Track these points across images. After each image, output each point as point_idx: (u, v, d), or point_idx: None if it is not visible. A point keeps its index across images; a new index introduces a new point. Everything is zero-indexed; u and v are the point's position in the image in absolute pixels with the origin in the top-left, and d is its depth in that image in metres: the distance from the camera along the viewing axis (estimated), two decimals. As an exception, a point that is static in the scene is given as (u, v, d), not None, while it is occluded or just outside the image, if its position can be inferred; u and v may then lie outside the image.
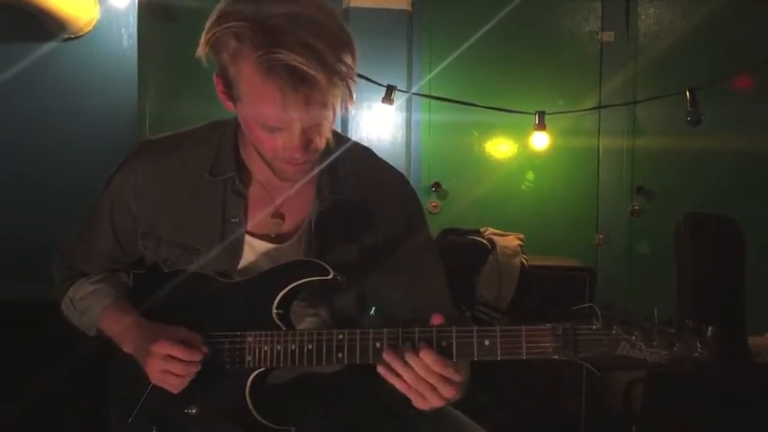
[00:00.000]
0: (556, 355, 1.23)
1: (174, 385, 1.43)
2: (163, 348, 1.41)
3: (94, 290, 1.61)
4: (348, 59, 1.27)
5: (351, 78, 1.28)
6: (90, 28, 3.22)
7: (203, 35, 1.30)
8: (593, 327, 1.21)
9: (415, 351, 1.28)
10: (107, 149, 2.95)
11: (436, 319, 1.31)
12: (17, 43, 3.15)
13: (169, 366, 1.41)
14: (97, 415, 1.65)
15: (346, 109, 1.33)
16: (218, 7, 1.30)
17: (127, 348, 1.51)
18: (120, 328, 1.54)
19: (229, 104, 1.38)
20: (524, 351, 1.25)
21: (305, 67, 1.21)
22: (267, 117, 1.30)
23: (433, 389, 1.28)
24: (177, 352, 1.41)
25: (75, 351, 2.34)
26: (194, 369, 1.42)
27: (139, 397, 1.53)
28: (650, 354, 1.18)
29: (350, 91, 1.29)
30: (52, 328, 2.47)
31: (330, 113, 1.30)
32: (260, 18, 1.23)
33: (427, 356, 1.27)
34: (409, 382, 1.28)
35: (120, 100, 3.25)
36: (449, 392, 1.28)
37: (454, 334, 1.29)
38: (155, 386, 1.48)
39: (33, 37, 3.15)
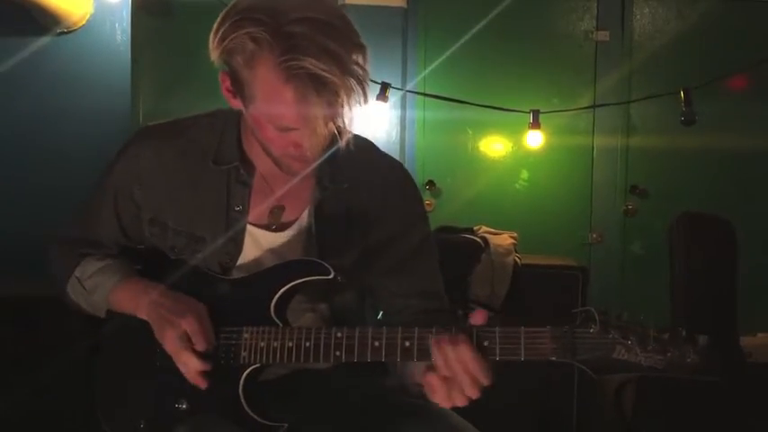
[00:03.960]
0: (554, 356, 1.25)
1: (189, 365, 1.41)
2: (189, 325, 1.40)
3: (104, 266, 1.59)
4: (362, 62, 1.31)
5: (366, 80, 1.32)
6: (83, 22, 3.20)
7: (216, 37, 1.32)
8: (591, 330, 1.22)
9: (456, 342, 1.27)
10: (100, 144, 2.93)
11: (476, 317, 1.31)
12: (10, 38, 3.13)
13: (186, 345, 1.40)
14: (89, 410, 1.64)
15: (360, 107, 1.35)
16: (230, 11, 1.31)
17: (144, 314, 1.48)
18: (139, 295, 1.50)
19: (235, 102, 1.40)
20: (523, 353, 1.27)
21: (326, 74, 1.25)
22: (283, 118, 1.33)
23: (460, 385, 1.28)
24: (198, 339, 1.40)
25: (68, 346, 2.34)
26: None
27: (127, 390, 1.54)
28: (645, 358, 1.20)
29: (364, 92, 1.32)
30: (46, 323, 2.47)
31: (343, 113, 1.32)
32: (278, 23, 1.26)
33: (465, 352, 1.26)
34: (443, 371, 1.28)
35: (113, 95, 3.24)
36: (473, 392, 1.28)
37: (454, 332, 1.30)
38: (143, 379, 1.49)
39: (26, 31, 3.13)
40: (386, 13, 3.71)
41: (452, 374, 1.27)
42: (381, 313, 1.56)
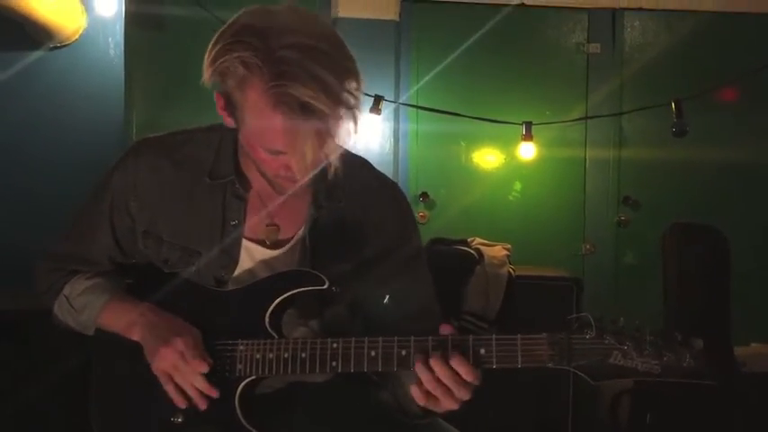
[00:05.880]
0: (550, 363, 1.25)
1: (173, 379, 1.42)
2: (185, 345, 1.41)
3: (93, 284, 1.58)
4: (354, 89, 1.30)
5: (358, 108, 1.31)
6: (77, 37, 3.21)
7: (209, 60, 1.32)
8: (587, 336, 1.23)
9: (445, 359, 1.29)
10: (93, 158, 2.92)
11: (444, 329, 1.33)
12: (3, 52, 3.14)
13: (181, 365, 1.41)
14: (84, 423, 1.63)
15: (351, 134, 1.34)
16: (224, 32, 1.31)
17: (135, 335, 1.48)
18: (130, 314, 1.50)
19: (230, 121, 1.40)
20: (520, 359, 1.27)
21: (314, 101, 1.24)
22: (273, 142, 1.32)
23: (450, 393, 1.29)
24: (194, 362, 1.40)
25: (60, 359, 2.32)
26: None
27: (122, 404, 1.53)
28: (641, 363, 1.21)
29: (355, 120, 1.31)
30: (36, 336, 2.45)
31: (334, 139, 1.32)
32: (269, 48, 1.26)
33: (460, 366, 1.28)
34: (428, 387, 1.29)
35: (106, 109, 3.24)
36: (464, 394, 1.30)
37: (449, 343, 1.30)
38: (138, 393, 1.48)
39: (19, 45, 3.14)
40: (378, 26, 3.73)
41: (438, 387, 1.29)
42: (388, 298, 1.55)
